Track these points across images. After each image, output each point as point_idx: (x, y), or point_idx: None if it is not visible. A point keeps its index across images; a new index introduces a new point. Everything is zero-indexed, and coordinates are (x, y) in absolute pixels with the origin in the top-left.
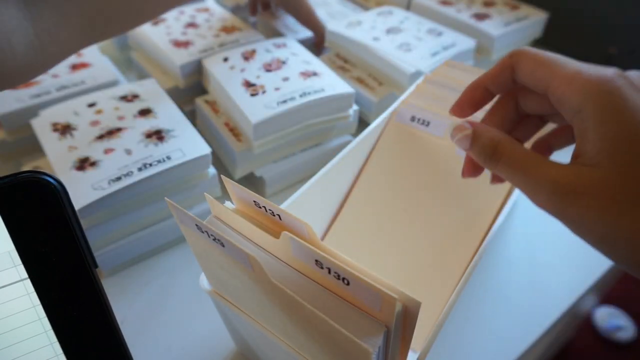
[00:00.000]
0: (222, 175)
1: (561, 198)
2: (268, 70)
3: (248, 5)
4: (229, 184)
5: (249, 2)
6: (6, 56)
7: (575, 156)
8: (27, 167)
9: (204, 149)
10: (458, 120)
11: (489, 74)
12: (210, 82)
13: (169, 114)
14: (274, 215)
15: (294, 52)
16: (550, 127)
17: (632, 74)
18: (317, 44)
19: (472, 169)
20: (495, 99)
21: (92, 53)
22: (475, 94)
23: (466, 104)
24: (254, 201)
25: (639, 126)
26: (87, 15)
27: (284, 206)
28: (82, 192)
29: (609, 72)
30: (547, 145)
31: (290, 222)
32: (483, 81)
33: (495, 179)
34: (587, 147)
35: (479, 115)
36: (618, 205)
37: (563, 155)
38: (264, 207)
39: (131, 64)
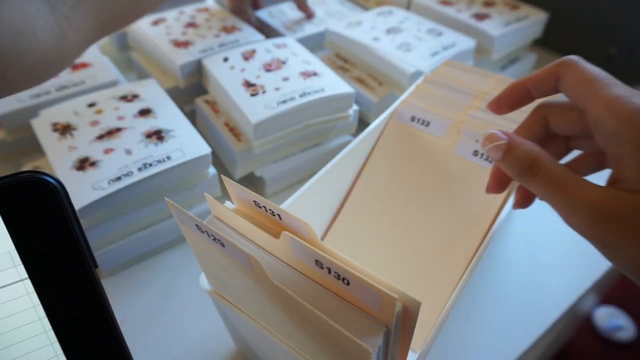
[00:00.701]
0: (222, 175)
1: (598, 222)
2: (268, 70)
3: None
4: (229, 183)
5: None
6: (31, 45)
7: (613, 181)
8: (27, 167)
9: (204, 149)
10: (490, 129)
11: (533, 77)
12: (210, 82)
13: (169, 114)
14: (274, 215)
15: (294, 52)
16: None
17: None
18: (301, 7)
19: (497, 186)
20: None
21: (92, 53)
22: (515, 94)
23: (504, 102)
24: (254, 201)
25: None
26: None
27: (284, 206)
28: (82, 192)
29: None
30: (573, 171)
31: (290, 222)
32: (526, 83)
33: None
34: (625, 173)
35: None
36: None
37: None
38: (264, 207)
39: (131, 64)
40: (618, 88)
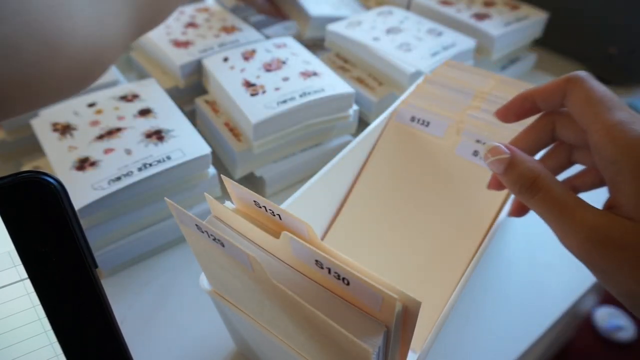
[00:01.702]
0: (222, 175)
1: (595, 246)
2: (268, 70)
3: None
4: (229, 183)
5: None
6: (74, 25)
7: (610, 206)
8: (27, 167)
9: (204, 149)
10: (493, 142)
11: (541, 90)
12: (210, 82)
13: (169, 114)
14: (274, 215)
15: (294, 52)
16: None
17: None
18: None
19: (498, 184)
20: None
21: None
22: (524, 105)
23: (512, 112)
24: (254, 201)
25: None
26: None
27: (284, 206)
28: (82, 192)
29: None
30: (572, 187)
31: (290, 222)
32: (534, 95)
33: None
34: (622, 200)
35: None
36: None
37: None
38: (264, 207)
39: (131, 64)
40: (621, 112)
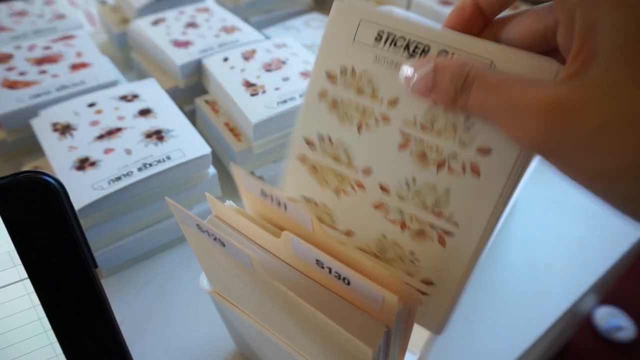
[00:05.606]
0: (232, 163)
1: (548, 117)
2: (268, 70)
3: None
4: (238, 172)
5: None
6: None
7: (575, 71)
8: (27, 167)
9: (204, 149)
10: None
11: None
12: (210, 82)
13: (169, 114)
14: (279, 205)
15: (294, 52)
16: None
17: None
18: None
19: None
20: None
21: (92, 53)
22: (463, 14)
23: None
24: (261, 189)
25: None
26: None
27: None
28: (82, 192)
29: None
30: None
31: (295, 213)
32: None
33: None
34: (597, 47)
35: None
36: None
37: None
38: (270, 195)
39: (131, 64)
40: None
